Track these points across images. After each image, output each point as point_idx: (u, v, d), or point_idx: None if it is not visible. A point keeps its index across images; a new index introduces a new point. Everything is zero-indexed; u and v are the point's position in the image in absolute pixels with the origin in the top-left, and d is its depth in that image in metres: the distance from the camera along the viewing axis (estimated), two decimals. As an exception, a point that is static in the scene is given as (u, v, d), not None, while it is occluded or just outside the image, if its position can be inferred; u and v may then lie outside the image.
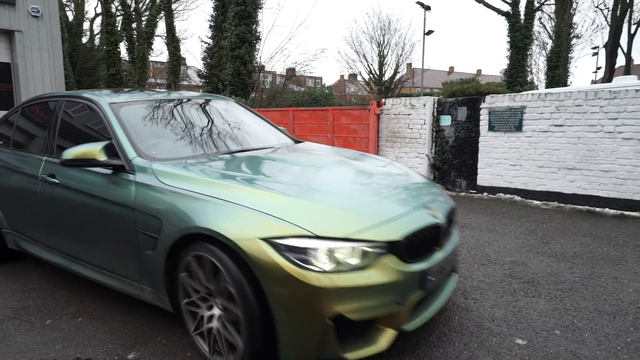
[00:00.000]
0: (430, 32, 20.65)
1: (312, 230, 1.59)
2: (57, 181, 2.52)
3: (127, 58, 17.32)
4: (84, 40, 19.91)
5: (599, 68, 26.68)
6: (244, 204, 1.73)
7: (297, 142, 3.21)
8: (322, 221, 1.65)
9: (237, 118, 3.12)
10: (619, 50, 18.21)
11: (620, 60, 18.25)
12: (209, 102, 3.15)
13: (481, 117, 6.20)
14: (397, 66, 27.60)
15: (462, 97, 7.93)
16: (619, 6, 17.46)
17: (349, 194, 1.92)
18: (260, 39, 14.47)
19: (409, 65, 33.59)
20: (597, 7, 18.81)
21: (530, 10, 14.97)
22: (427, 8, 20.24)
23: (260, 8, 13.98)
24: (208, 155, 2.41)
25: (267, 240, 1.59)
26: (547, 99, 5.69)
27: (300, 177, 2.14)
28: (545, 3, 16.90)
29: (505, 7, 15.19)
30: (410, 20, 51.11)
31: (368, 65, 28.15)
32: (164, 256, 1.93)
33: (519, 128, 5.89)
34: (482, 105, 6.18)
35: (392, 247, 1.65)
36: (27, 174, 2.79)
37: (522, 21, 14.93)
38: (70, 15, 18.94)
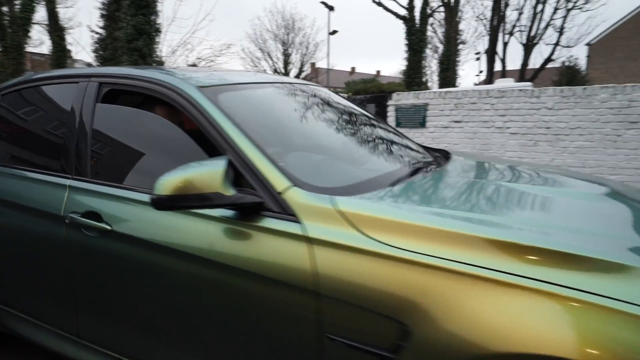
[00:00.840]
0: (334, 32, 21.23)
1: None
2: (108, 227, 1.55)
3: (-3, 47, 15.06)
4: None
5: (481, 71, 29.84)
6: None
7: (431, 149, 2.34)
8: None
9: (355, 112, 2.18)
10: (496, 56, 20.52)
11: (498, 65, 20.61)
12: (313, 88, 2.22)
13: (388, 114, 6.50)
14: (302, 65, 27.97)
15: (370, 94, 8.26)
16: (495, 17, 19.66)
17: None
18: (160, 31, 13.58)
19: (313, 64, 34.25)
20: (477, 17, 21.04)
21: (424, 16, 16.15)
22: (331, 8, 20.78)
23: (160, -2, 13.10)
24: (395, 179, 1.51)
25: None
26: (447, 96, 6.16)
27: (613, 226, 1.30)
28: (436, 10, 18.36)
29: (403, 12, 16.20)
30: (314, 19, 52.13)
31: (273, 63, 28.08)
32: None
33: (422, 124, 6.29)
34: (389, 102, 6.48)
35: None
36: (32, 211, 1.79)
37: (417, 25, 16.04)
38: None
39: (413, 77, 16.23)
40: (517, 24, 20.10)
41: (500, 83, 9.36)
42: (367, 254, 1.12)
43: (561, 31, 19.62)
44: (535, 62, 20.85)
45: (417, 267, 1.07)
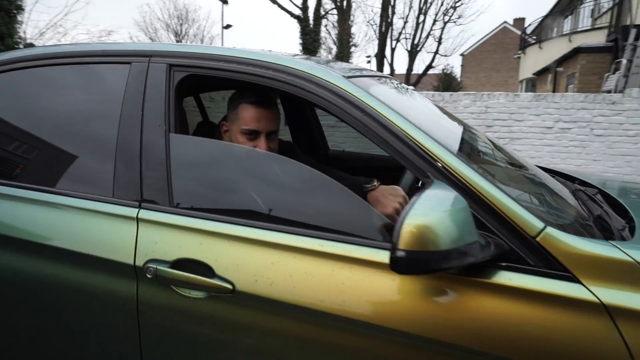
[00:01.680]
0: (228, 26, 20.70)
1: None
2: (226, 286, 1.07)
3: None
4: None
5: (371, 74, 31.60)
6: None
7: None
8: None
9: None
10: (385, 60, 21.92)
11: (387, 69, 22.02)
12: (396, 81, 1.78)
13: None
14: (197, 58, 26.80)
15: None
16: (384, 24, 20.96)
17: None
18: (22, 9, 11.90)
19: (209, 57, 33.09)
20: (368, 22, 22.25)
21: (318, 17, 16.54)
22: (224, 1, 20.21)
23: (22, -29, 11.47)
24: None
25: None
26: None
27: None
28: (329, 12, 18.94)
29: (297, 11, 16.40)
30: (209, 12, 50.28)
31: (165, 54, 26.44)
32: None
33: (311, 123, 6.43)
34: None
35: None
36: (67, 257, 1.21)
37: (311, 26, 16.37)
38: None
39: (308, 77, 16.53)
40: (403, 32, 21.64)
41: (385, 86, 10.04)
42: None
43: (440, 41, 21.60)
44: (419, 67, 22.66)
45: None
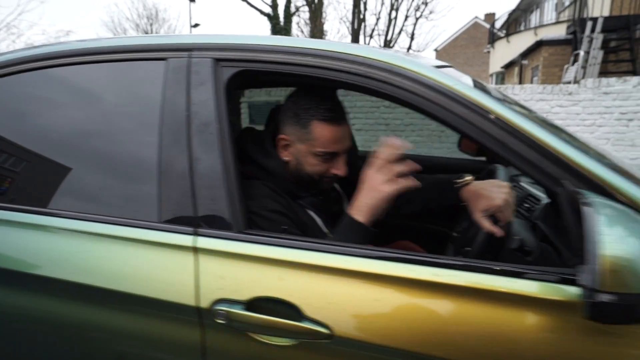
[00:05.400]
0: (196, 25, 20.51)
1: None
2: (322, 330, 0.86)
3: None
4: None
5: (347, 71, 31.76)
6: None
7: None
8: None
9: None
10: (359, 56, 22.01)
11: (360, 65, 22.08)
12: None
13: (242, 111, 6.50)
14: (169, 58, 26.42)
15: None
16: (356, 20, 21.04)
17: None
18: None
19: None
20: (340, 19, 22.32)
21: (288, 14, 16.49)
22: (192, 0, 19.97)
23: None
24: None
25: None
26: (296, 94, 6.40)
27: None
28: (300, 9, 18.90)
29: (267, 9, 16.31)
30: (179, 12, 49.60)
31: (135, 54, 25.99)
32: None
33: (276, 121, 6.43)
34: (242, 99, 6.47)
35: None
36: (106, 298, 0.99)
37: (282, 23, 16.30)
38: None
39: (280, 74, 16.49)
40: (376, 28, 21.76)
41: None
42: None
43: (412, 37, 21.80)
44: (391, 63, 22.79)
45: None
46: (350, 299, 0.87)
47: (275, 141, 1.24)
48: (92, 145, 1.14)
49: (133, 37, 1.22)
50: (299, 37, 0.91)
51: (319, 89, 1.21)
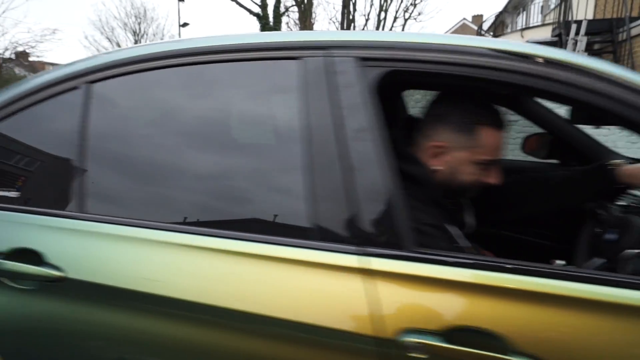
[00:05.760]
0: (185, 24, 20.38)
1: None
2: None
3: None
4: None
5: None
6: None
7: None
8: None
9: None
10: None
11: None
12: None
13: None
14: (157, 57, 26.24)
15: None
16: (345, 21, 21.11)
17: None
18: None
19: (171, 57, 32.48)
20: (330, 19, 22.39)
21: (278, 14, 16.49)
22: (182, -1, 19.87)
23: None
24: None
25: None
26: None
27: None
28: (289, 9, 18.91)
29: (256, 9, 16.29)
30: (168, 11, 49.34)
31: (123, 53, 25.74)
32: None
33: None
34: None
35: None
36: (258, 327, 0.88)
37: (271, 23, 16.30)
38: None
39: (269, 75, 16.48)
40: (365, 29, 21.84)
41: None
42: None
43: (401, 38, 21.89)
44: (380, 64, 22.89)
45: None
46: (571, 331, 0.77)
47: (421, 148, 1.13)
48: (224, 155, 1.03)
49: (260, 34, 1.10)
50: (459, 35, 0.84)
51: (475, 93, 1.10)
